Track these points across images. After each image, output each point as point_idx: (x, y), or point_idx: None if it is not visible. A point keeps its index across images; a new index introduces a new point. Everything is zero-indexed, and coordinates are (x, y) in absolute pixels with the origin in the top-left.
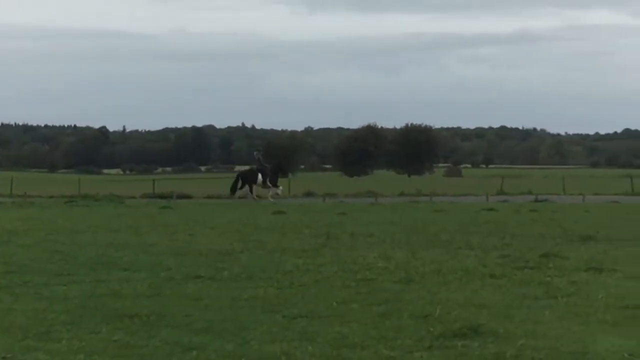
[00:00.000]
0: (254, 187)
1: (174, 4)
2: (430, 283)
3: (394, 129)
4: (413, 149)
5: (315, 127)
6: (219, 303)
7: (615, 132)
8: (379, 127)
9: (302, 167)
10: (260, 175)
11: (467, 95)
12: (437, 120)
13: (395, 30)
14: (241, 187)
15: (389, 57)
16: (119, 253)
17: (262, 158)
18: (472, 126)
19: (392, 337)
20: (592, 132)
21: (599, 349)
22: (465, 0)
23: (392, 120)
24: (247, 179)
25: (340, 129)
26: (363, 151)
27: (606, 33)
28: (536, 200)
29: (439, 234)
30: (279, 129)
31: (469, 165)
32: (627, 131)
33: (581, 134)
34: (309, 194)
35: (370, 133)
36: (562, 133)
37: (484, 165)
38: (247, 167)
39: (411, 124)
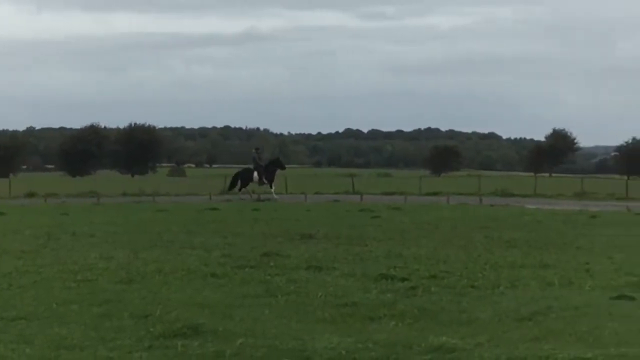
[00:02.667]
0: (250, 184)
1: None
2: (151, 283)
3: (118, 129)
4: (136, 149)
5: (38, 127)
6: None
7: (337, 132)
8: (103, 127)
9: (24, 167)
10: (255, 174)
11: (191, 95)
12: (162, 120)
13: (122, 30)
14: (243, 186)
15: (115, 57)
16: None
17: (257, 157)
18: (196, 126)
19: (112, 337)
20: (314, 132)
21: (317, 346)
22: (192, 1)
23: (117, 120)
24: (244, 177)
25: (63, 129)
26: (86, 151)
27: (329, 34)
28: (259, 200)
29: (161, 233)
30: (0, 129)
31: (192, 165)
32: (348, 131)
33: (304, 134)
34: (30, 195)
35: (93, 133)
36: (285, 133)
37: (207, 165)
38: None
39: (135, 124)
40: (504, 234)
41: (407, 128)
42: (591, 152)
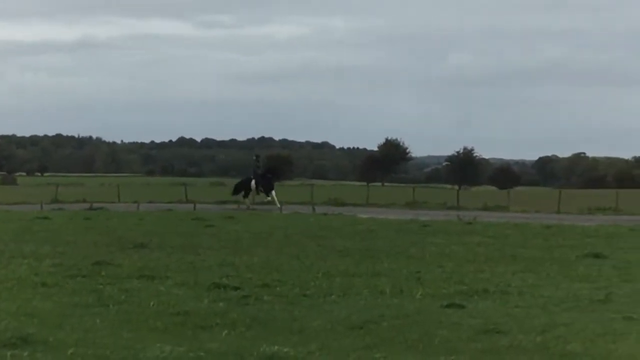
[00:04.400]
0: (251, 194)
1: None
2: None
3: None
4: None
5: None
6: None
7: (171, 141)
8: None
9: None
10: (253, 182)
11: (23, 102)
12: None
13: None
14: (244, 195)
15: None
16: None
17: (255, 165)
18: (27, 134)
19: None
20: (147, 141)
21: (148, 356)
22: (25, 8)
23: None
24: (244, 186)
25: None
26: None
27: (165, 42)
28: (91, 209)
29: None
30: None
31: (24, 174)
32: (182, 140)
33: (137, 142)
34: None
35: None
36: (119, 141)
37: (39, 174)
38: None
39: None
40: (336, 243)
41: (241, 137)
42: (423, 162)
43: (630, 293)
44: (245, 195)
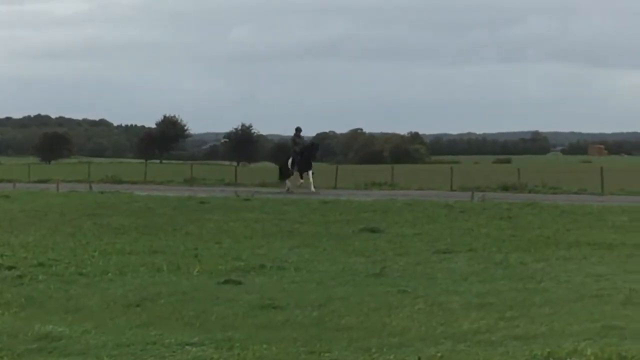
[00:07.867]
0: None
1: None
2: None
3: None
4: None
5: None
6: None
7: None
8: None
9: None
10: (290, 161)
11: None
12: None
13: None
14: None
15: None
16: None
17: (296, 140)
18: None
19: None
20: None
21: None
22: None
23: None
24: (284, 165)
25: None
26: None
27: None
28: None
29: None
30: None
31: None
32: None
33: None
34: None
35: None
36: None
37: None
38: None
39: None
40: (113, 221)
41: (17, 115)
42: (202, 139)
43: (405, 267)
44: (288, 176)
